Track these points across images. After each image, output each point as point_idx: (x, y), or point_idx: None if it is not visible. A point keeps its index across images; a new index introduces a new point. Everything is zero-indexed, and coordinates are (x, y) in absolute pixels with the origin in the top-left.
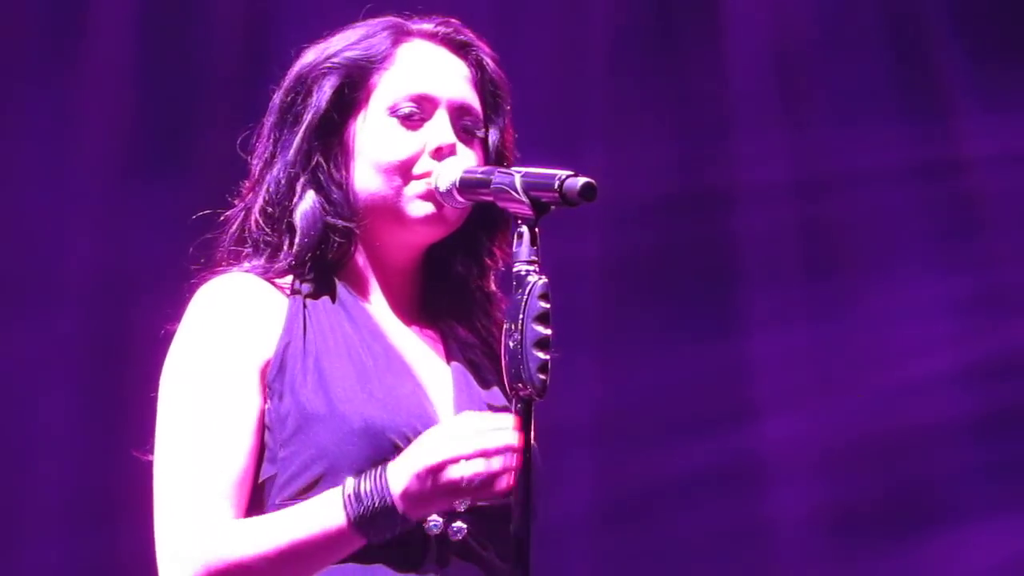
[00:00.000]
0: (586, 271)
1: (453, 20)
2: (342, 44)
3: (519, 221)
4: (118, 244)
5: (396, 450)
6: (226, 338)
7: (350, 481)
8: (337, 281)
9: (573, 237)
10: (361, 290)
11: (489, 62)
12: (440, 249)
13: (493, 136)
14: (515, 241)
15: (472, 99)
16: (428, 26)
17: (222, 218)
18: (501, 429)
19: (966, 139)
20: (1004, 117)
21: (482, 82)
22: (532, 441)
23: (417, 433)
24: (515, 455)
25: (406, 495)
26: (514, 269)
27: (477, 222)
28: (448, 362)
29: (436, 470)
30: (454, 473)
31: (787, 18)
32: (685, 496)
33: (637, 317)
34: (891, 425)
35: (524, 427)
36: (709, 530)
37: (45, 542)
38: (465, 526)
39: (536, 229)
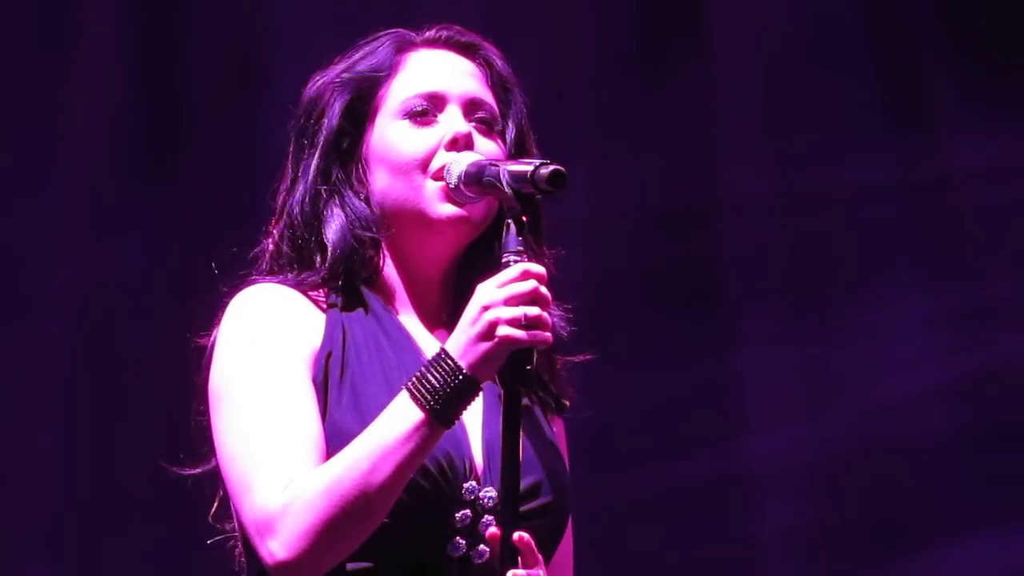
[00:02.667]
0: (571, 287)
1: (455, 25)
2: (348, 62)
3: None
4: (106, 258)
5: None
6: (276, 329)
7: (414, 384)
8: (369, 294)
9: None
10: (392, 302)
11: (497, 60)
12: (474, 259)
13: (510, 132)
14: (504, 232)
15: (484, 94)
16: (431, 33)
17: (251, 256)
18: (523, 279)
19: (952, 156)
20: (990, 134)
21: (493, 79)
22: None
23: (444, 449)
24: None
25: (473, 364)
26: (502, 260)
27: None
28: None
29: (485, 325)
30: (499, 315)
31: (774, 35)
32: (673, 512)
33: (623, 333)
34: (879, 441)
35: (511, 417)
36: (696, 546)
37: (33, 562)
38: (488, 549)
39: (524, 219)
